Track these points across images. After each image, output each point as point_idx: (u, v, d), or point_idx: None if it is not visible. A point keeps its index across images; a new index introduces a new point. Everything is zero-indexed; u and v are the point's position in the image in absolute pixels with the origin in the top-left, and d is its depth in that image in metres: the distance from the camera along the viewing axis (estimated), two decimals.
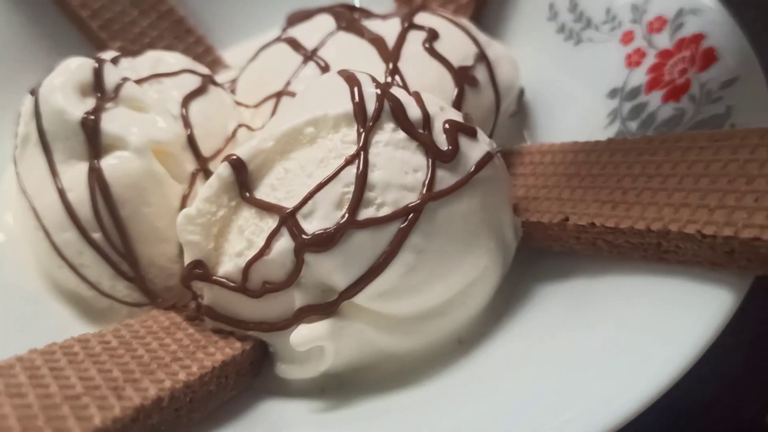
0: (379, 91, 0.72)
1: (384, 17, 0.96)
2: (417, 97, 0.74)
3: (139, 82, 0.85)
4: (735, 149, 0.65)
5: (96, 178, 0.76)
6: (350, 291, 0.68)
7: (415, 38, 0.89)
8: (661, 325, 0.63)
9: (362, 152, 0.68)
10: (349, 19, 0.94)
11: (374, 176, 0.68)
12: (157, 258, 0.80)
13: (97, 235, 0.77)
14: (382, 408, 0.70)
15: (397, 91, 0.73)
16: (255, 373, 0.75)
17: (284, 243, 0.68)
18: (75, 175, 0.77)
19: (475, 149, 0.73)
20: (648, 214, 0.66)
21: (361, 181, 0.67)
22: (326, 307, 0.69)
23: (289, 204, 0.68)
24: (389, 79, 0.84)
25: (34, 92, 0.81)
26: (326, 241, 0.66)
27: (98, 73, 0.82)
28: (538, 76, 0.99)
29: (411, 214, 0.67)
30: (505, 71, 0.93)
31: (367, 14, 0.97)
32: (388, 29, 0.90)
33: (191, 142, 0.83)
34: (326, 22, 0.95)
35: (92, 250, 0.78)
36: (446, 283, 0.71)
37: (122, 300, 0.81)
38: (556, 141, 0.85)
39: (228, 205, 0.72)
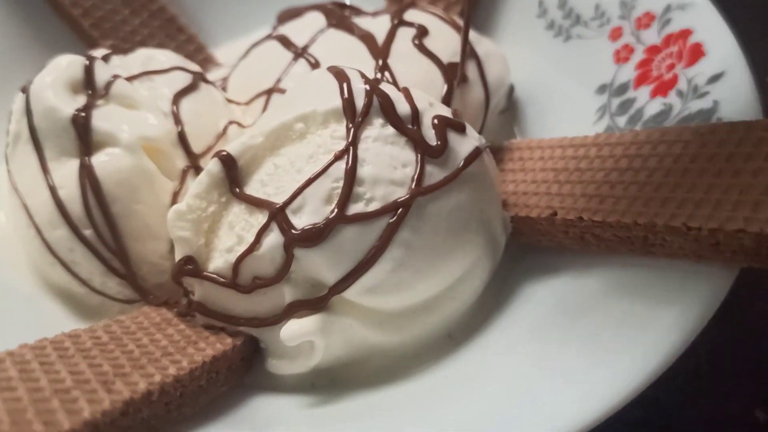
0: (368, 86, 0.72)
1: (374, 14, 0.96)
2: (406, 92, 0.74)
3: (129, 79, 0.85)
4: (720, 143, 0.65)
5: (87, 175, 0.77)
6: (340, 286, 0.68)
7: (405, 35, 0.89)
8: (646, 318, 0.63)
9: (351, 148, 0.68)
10: (340, 17, 0.94)
11: (363, 171, 0.68)
12: (148, 254, 0.80)
13: (88, 232, 0.78)
14: (372, 403, 0.70)
15: (386, 87, 0.74)
16: (246, 369, 0.76)
17: (274, 238, 0.68)
18: (66, 172, 0.78)
19: (463, 144, 0.73)
20: (634, 208, 0.66)
21: (350, 177, 0.67)
22: (316, 302, 0.69)
23: (279, 199, 0.68)
24: (379, 76, 0.84)
25: (25, 90, 0.81)
26: (315, 236, 0.66)
27: (89, 71, 0.82)
28: (528, 72, 0.99)
29: (400, 209, 0.67)
30: (494, 68, 0.93)
31: (357, 12, 0.97)
32: (378, 26, 0.91)
33: (182, 139, 0.83)
34: (316, 19, 0.96)
35: (83, 247, 0.78)
36: (435, 278, 0.72)
37: (114, 297, 0.81)
38: (546, 137, 0.86)
39: (218, 200, 0.72)
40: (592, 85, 0.89)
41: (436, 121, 0.72)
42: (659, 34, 0.84)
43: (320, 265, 0.68)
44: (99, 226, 0.77)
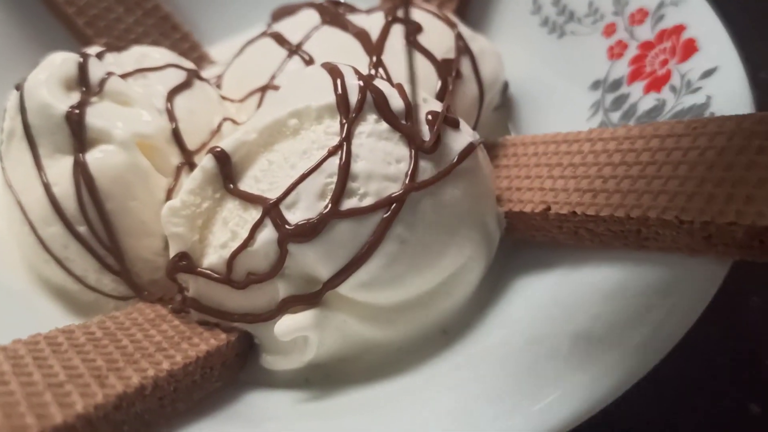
0: (361, 82, 0.72)
1: (368, 11, 0.96)
2: (400, 88, 0.74)
3: (124, 76, 0.85)
4: (712, 137, 0.65)
5: (81, 172, 0.76)
6: (334, 281, 0.68)
7: (399, 31, 0.89)
8: (640, 312, 0.63)
9: (345, 143, 0.69)
10: (334, 14, 0.94)
11: (357, 167, 0.68)
12: (143, 251, 0.80)
13: (82, 229, 0.77)
14: (366, 398, 0.71)
15: (380, 83, 0.74)
16: (240, 365, 0.76)
17: (268, 234, 0.68)
18: (60, 169, 0.78)
19: (457, 140, 0.73)
20: (627, 202, 0.66)
21: (344, 172, 0.67)
22: (310, 297, 0.70)
23: (273, 195, 0.69)
24: (373, 72, 0.84)
25: (19, 87, 0.81)
26: (309, 232, 0.67)
27: (83, 68, 0.82)
28: (523, 69, 1.00)
29: (394, 204, 0.68)
30: (489, 64, 0.94)
31: (351, 9, 0.97)
32: (372, 23, 0.91)
33: (176, 136, 0.83)
34: (311, 16, 0.96)
35: (78, 244, 0.78)
36: (430, 273, 0.72)
37: (108, 293, 0.81)
38: (540, 133, 0.86)
39: (212, 197, 0.73)
40: (586, 81, 0.90)
41: (430, 116, 0.72)
42: (653, 30, 0.85)
43: (314, 261, 0.68)
44: (93, 222, 0.77)
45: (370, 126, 0.70)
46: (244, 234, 0.69)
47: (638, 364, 0.59)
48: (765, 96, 0.75)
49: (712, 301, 0.62)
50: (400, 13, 0.92)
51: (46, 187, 0.77)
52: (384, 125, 0.71)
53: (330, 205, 0.67)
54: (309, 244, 0.67)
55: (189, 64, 0.95)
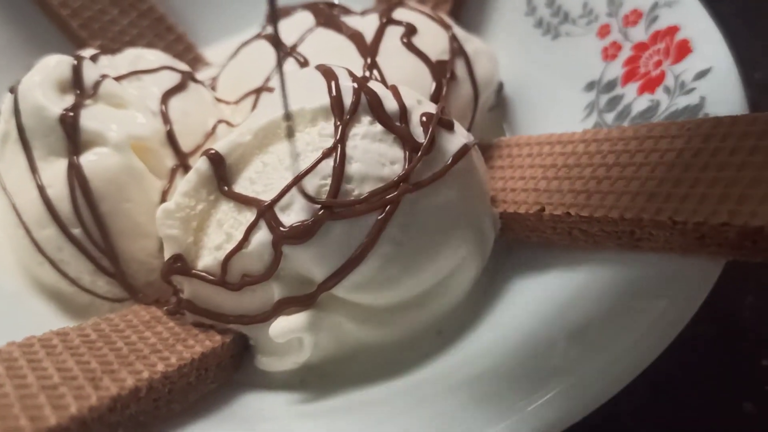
0: (356, 84, 0.72)
1: (363, 13, 0.97)
2: (394, 90, 0.74)
3: (118, 79, 0.85)
4: (706, 138, 0.65)
5: (75, 174, 0.76)
6: (328, 282, 0.68)
7: (393, 33, 0.89)
8: (633, 312, 0.63)
9: (339, 145, 0.69)
10: (328, 16, 0.94)
11: (351, 169, 0.68)
12: (138, 253, 0.80)
13: (77, 231, 0.77)
14: (361, 400, 0.70)
15: (374, 85, 0.74)
16: (236, 367, 0.76)
17: (262, 236, 0.68)
18: (54, 171, 0.78)
19: (452, 142, 0.73)
20: (621, 203, 0.66)
21: (339, 174, 0.67)
22: (305, 299, 0.70)
23: (267, 197, 0.69)
24: (367, 74, 0.84)
25: (13, 90, 0.81)
26: (304, 234, 0.67)
27: (77, 71, 0.82)
28: (517, 70, 1.00)
29: (388, 206, 0.68)
30: (483, 66, 0.94)
31: (346, 11, 0.97)
32: (367, 25, 0.91)
33: (171, 138, 0.83)
34: (305, 18, 0.96)
35: (72, 246, 0.78)
36: (424, 274, 0.72)
37: (103, 296, 0.81)
38: (535, 134, 0.86)
39: (207, 199, 0.73)
40: (580, 83, 0.90)
41: (424, 118, 0.73)
42: (646, 31, 0.85)
43: (309, 262, 0.68)
44: (88, 225, 0.77)
45: (365, 128, 0.70)
46: (239, 236, 0.69)
47: (632, 364, 0.59)
48: (759, 96, 0.75)
49: (706, 300, 0.62)
50: (395, 15, 0.92)
51: (41, 189, 0.77)
52: (378, 127, 0.71)
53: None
54: (303, 246, 0.67)
55: (183, 66, 0.95)
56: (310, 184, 0.68)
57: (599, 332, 0.64)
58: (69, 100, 0.80)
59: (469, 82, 0.91)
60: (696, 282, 0.63)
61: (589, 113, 0.87)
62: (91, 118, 0.79)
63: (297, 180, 0.68)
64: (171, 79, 0.89)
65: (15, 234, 0.81)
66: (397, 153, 0.70)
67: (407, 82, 0.81)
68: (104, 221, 0.78)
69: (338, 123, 0.70)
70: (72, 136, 0.77)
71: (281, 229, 0.67)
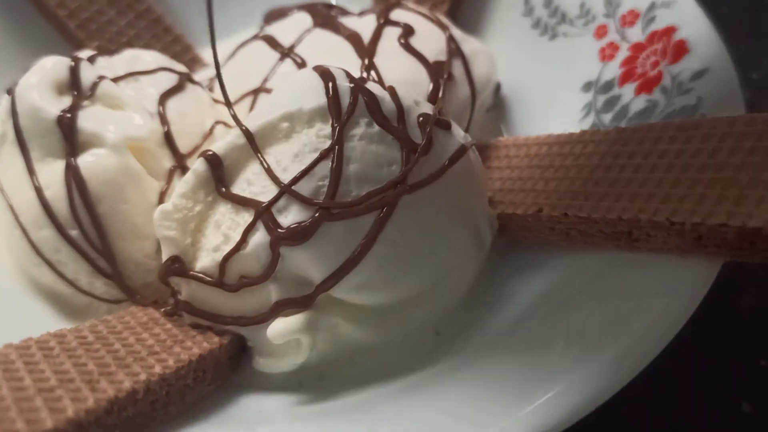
0: (353, 85, 0.72)
1: (360, 14, 0.97)
2: (392, 91, 0.74)
3: (115, 80, 0.85)
4: (704, 138, 0.65)
5: (73, 176, 0.76)
6: (326, 284, 0.68)
7: (391, 34, 0.89)
8: (631, 312, 0.63)
9: (337, 146, 0.68)
10: (326, 17, 0.94)
11: (349, 170, 0.68)
12: (135, 254, 0.80)
13: (74, 232, 0.77)
14: (359, 401, 0.70)
15: (371, 86, 0.74)
16: (233, 368, 0.76)
17: (260, 237, 0.68)
18: (52, 172, 0.77)
19: (449, 143, 0.73)
20: (619, 204, 0.66)
21: (336, 175, 0.67)
22: (303, 300, 0.70)
23: (265, 198, 0.68)
24: (365, 75, 0.84)
25: (10, 91, 0.81)
26: (301, 235, 0.66)
27: (74, 72, 0.82)
28: (515, 70, 1.00)
29: (386, 207, 0.67)
30: (481, 66, 0.94)
31: (343, 11, 0.97)
32: (364, 25, 0.91)
33: (168, 139, 0.83)
34: (303, 19, 0.96)
35: (70, 248, 0.78)
36: (422, 275, 0.72)
37: (100, 297, 0.81)
38: (533, 134, 0.86)
39: (204, 200, 0.72)
40: (577, 83, 0.90)
41: (421, 119, 0.72)
42: (644, 32, 0.85)
43: (306, 264, 0.68)
44: (85, 226, 0.77)
45: (362, 129, 0.70)
46: (237, 237, 0.69)
47: (630, 365, 0.59)
48: (756, 97, 0.75)
49: (704, 300, 0.62)
50: (392, 16, 0.92)
51: (38, 190, 0.77)
52: (376, 128, 0.70)
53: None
54: (301, 247, 0.67)
55: (181, 67, 0.95)
56: (308, 185, 0.68)
57: (598, 332, 0.64)
58: (66, 101, 0.80)
59: (467, 82, 0.91)
60: (694, 282, 0.63)
61: (586, 114, 0.87)
62: (88, 119, 0.79)
63: (295, 181, 0.68)
64: (168, 80, 0.89)
65: (12, 235, 0.81)
66: (394, 154, 0.70)
67: (404, 82, 0.81)
68: (101, 222, 0.77)
69: (336, 124, 0.70)
70: (69, 138, 0.77)
71: (279, 230, 0.67)
